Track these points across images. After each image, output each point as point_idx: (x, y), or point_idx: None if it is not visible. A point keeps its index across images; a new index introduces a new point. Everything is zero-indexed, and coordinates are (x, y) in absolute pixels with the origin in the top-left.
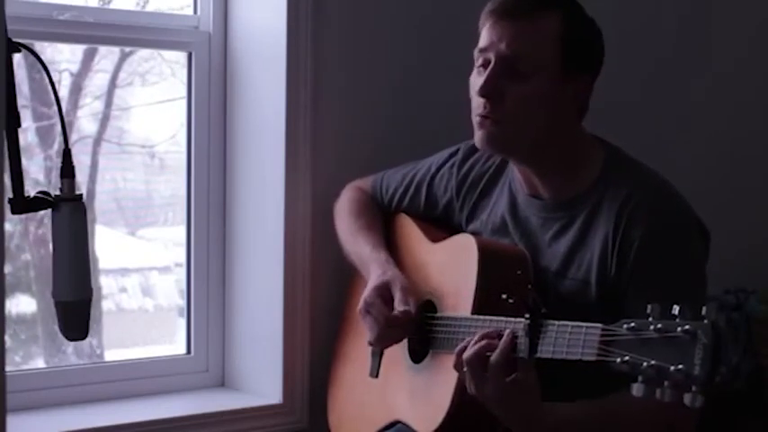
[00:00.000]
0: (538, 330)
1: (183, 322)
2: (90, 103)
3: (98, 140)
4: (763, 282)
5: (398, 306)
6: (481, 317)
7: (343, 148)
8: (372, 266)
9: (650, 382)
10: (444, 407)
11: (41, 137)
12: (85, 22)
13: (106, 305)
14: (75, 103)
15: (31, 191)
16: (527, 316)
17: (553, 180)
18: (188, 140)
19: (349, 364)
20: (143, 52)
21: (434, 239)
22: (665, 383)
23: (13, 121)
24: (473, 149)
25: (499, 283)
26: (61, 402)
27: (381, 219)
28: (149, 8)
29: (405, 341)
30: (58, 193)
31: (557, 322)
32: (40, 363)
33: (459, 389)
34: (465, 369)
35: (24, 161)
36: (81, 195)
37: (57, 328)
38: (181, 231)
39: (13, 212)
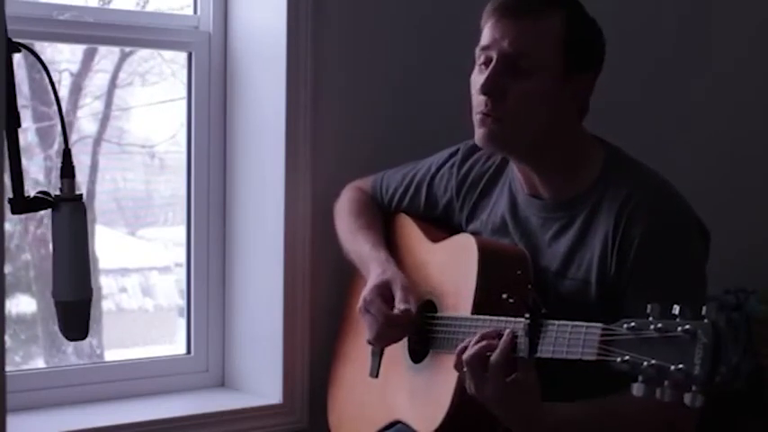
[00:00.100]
0: (538, 330)
1: (183, 322)
2: (90, 103)
3: (98, 140)
4: (763, 282)
5: (399, 305)
6: (481, 317)
7: (343, 148)
8: (372, 265)
9: (650, 381)
10: (444, 407)
11: (41, 137)
12: (85, 22)
13: (106, 305)
14: (75, 103)
15: (31, 191)
16: (527, 316)
17: (553, 180)
18: (188, 140)
19: (349, 364)
20: (143, 52)
21: (434, 239)
22: (666, 383)
23: (13, 121)
24: (473, 149)
25: (499, 282)
26: (61, 402)
27: (381, 218)
28: (149, 8)
29: (405, 341)
30: (58, 193)
31: (557, 322)
32: (40, 363)
33: (459, 389)
34: (465, 369)
35: (24, 161)
36: (81, 195)
37: (57, 328)
38: (181, 231)
39: (13, 212)
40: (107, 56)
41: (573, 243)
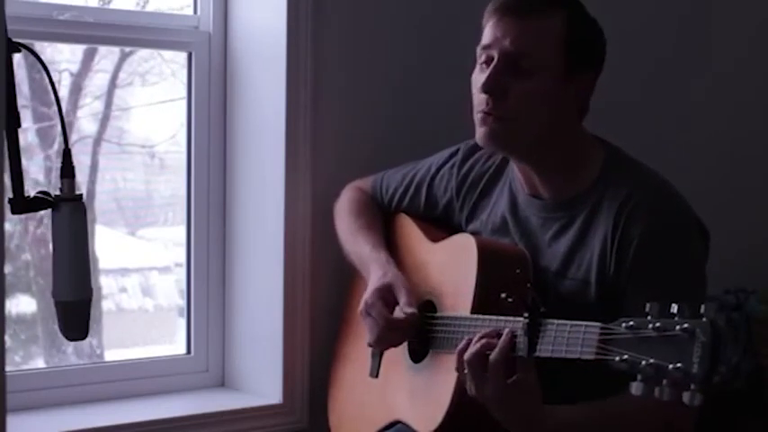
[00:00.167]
0: (537, 329)
1: (183, 322)
2: (90, 103)
3: (98, 140)
4: (763, 282)
5: (404, 308)
6: (480, 316)
7: (343, 148)
8: (372, 267)
9: (649, 380)
10: (444, 406)
11: (41, 137)
12: (85, 22)
13: (106, 305)
14: (75, 103)
15: (31, 191)
16: (526, 315)
17: (553, 180)
18: (188, 140)
19: (349, 365)
20: (143, 52)
21: (434, 239)
22: (664, 382)
23: (13, 121)
24: (473, 149)
25: (498, 282)
26: (61, 402)
27: (381, 219)
28: (149, 8)
29: None
30: (58, 193)
31: (555, 321)
32: (40, 363)
33: (459, 389)
34: (465, 370)
35: (24, 161)
36: (81, 195)
37: (57, 328)
38: (181, 231)
39: (13, 212)
40: (107, 56)
41: (573, 243)
